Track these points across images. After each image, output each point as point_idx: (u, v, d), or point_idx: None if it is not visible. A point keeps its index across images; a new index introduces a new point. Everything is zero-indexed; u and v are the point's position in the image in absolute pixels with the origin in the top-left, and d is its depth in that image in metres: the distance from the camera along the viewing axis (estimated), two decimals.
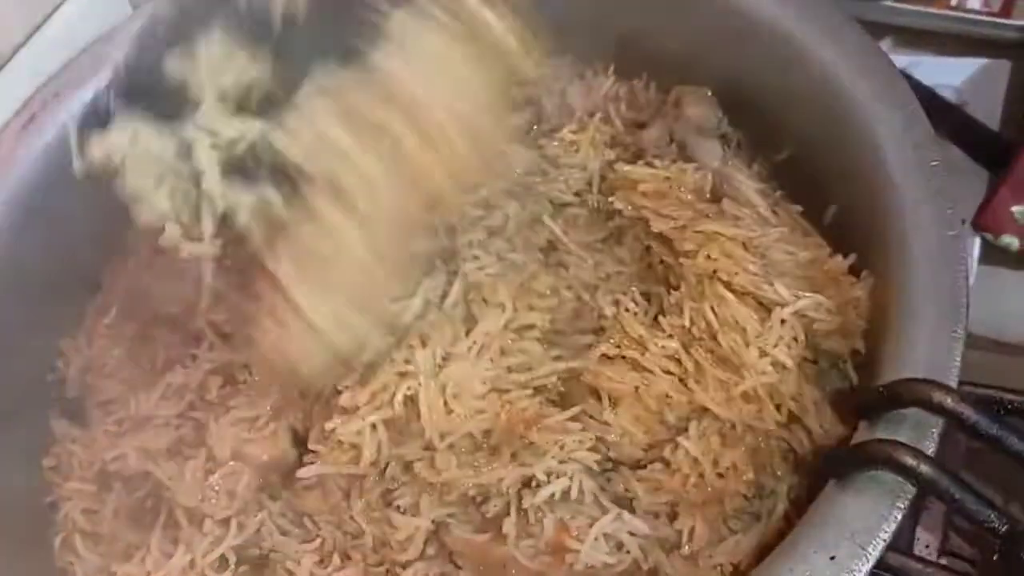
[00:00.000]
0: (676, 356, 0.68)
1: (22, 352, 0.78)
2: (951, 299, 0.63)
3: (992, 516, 0.53)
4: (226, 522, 0.69)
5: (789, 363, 0.66)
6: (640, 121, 0.84)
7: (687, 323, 0.69)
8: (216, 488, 0.70)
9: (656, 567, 0.64)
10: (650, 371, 0.68)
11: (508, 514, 0.65)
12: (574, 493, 0.65)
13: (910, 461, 0.55)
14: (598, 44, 0.90)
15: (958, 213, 0.67)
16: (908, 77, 0.73)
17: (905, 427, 0.58)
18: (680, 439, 0.66)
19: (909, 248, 0.66)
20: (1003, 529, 0.52)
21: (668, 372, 0.68)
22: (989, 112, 0.89)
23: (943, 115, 0.78)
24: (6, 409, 0.75)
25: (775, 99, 0.81)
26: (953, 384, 0.59)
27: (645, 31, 0.87)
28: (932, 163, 0.68)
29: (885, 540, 0.54)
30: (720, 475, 0.65)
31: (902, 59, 0.78)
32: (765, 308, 0.68)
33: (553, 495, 0.65)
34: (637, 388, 0.67)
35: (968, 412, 0.55)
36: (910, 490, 0.55)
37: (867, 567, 0.54)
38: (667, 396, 0.67)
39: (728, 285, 0.69)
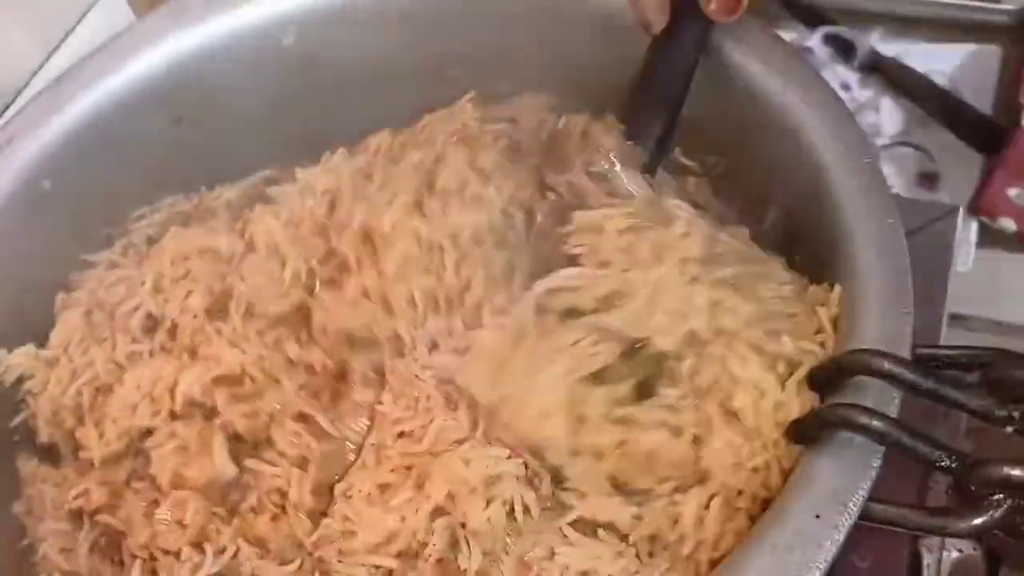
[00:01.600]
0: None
1: None
2: (897, 283, 0.68)
3: (942, 455, 0.58)
4: (201, 550, 0.69)
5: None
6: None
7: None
8: (165, 520, 0.71)
9: None
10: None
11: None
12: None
13: (863, 419, 0.59)
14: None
15: (894, 208, 0.72)
16: (901, 64, 0.77)
17: (869, 394, 0.62)
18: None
19: (854, 242, 0.71)
20: (953, 465, 0.57)
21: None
22: (981, 97, 0.92)
23: (936, 101, 0.81)
24: None
25: (708, 114, 0.85)
26: (906, 354, 0.64)
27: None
28: (865, 160, 0.74)
29: (863, 495, 0.58)
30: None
31: (892, 48, 0.81)
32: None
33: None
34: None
35: (905, 372, 0.61)
36: (881, 448, 0.60)
37: (850, 521, 0.58)
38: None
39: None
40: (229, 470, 0.72)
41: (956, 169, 0.88)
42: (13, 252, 0.81)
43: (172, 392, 0.75)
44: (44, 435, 0.78)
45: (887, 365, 0.61)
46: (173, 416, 0.75)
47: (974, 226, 0.88)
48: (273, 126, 0.92)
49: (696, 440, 0.65)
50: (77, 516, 0.75)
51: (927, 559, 0.63)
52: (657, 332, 0.66)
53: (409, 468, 0.68)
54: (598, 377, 0.65)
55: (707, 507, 0.64)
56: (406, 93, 0.92)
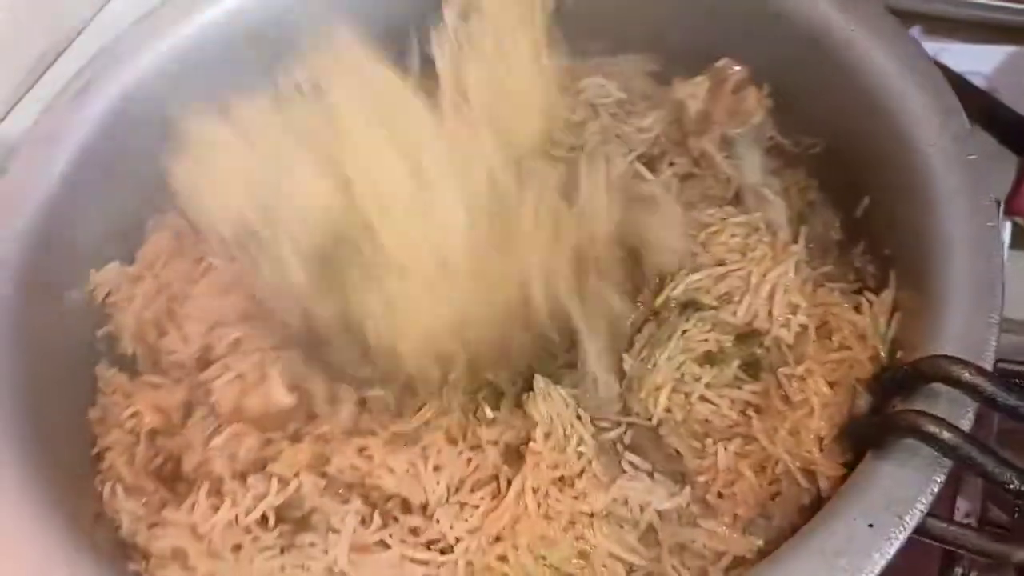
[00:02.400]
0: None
1: (74, 308, 0.80)
2: (987, 286, 0.65)
3: (1012, 476, 0.55)
4: (268, 480, 0.70)
5: None
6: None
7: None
8: (219, 450, 0.72)
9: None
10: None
11: None
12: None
13: (932, 428, 0.57)
14: (629, 38, 0.92)
15: (994, 206, 0.69)
16: (937, 64, 0.75)
17: (941, 403, 0.60)
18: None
19: (945, 238, 0.68)
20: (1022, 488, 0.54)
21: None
22: (1018, 98, 0.90)
23: (973, 101, 0.79)
24: (60, 362, 0.76)
25: (808, 90, 0.82)
26: (988, 366, 0.61)
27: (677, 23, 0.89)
28: (970, 156, 0.70)
29: (922, 510, 0.56)
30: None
31: (931, 46, 0.79)
32: None
33: None
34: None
35: (985, 384, 0.58)
36: (948, 462, 0.57)
37: (905, 534, 0.55)
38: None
39: None
40: (286, 400, 0.73)
41: (991, 170, 0.84)
42: (105, 175, 0.83)
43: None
44: (127, 347, 0.81)
45: (967, 375, 0.58)
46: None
47: (1008, 227, 0.84)
48: None
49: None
50: (137, 432, 0.77)
51: (958, 572, 0.60)
52: (776, 324, 0.73)
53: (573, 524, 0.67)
54: (709, 358, 0.72)
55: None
56: None
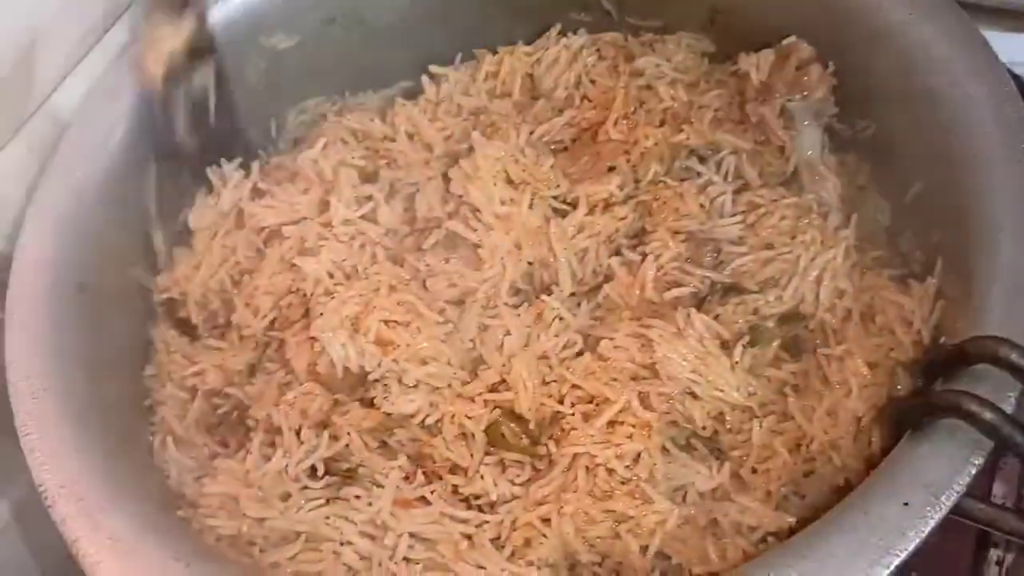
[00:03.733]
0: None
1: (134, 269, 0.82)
2: None
3: None
4: (319, 434, 0.72)
5: None
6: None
7: None
8: (291, 404, 0.74)
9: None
10: None
11: None
12: None
13: (975, 408, 0.57)
14: (682, 17, 0.92)
15: None
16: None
17: (983, 385, 0.60)
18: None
19: (993, 225, 0.68)
20: None
21: None
22: None
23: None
24: (117, 318, 0.79)
25: (862, 74, 0.82)
26: None
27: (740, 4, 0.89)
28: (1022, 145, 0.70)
29: (959, 491, 0.56)
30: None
31: None
32: None
33: None
34: None
35: None
36: (987, 443, 0.57)
37: (939, 515, 0.56)
38: None
39: None
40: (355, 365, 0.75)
41: None
42: None
43: None
44: (191, 314, 0.83)
45: (1015, 356, 0.58)
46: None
47: None
48: (419, 38, 0.93)
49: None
50: (194, 389, 0.80)
51: (993, 555, 0.60)
52: (822, 308, 0.74)
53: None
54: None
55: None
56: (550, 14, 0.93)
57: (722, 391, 0.71)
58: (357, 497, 0.69)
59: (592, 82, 0.89)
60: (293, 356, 0.76)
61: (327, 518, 0.68)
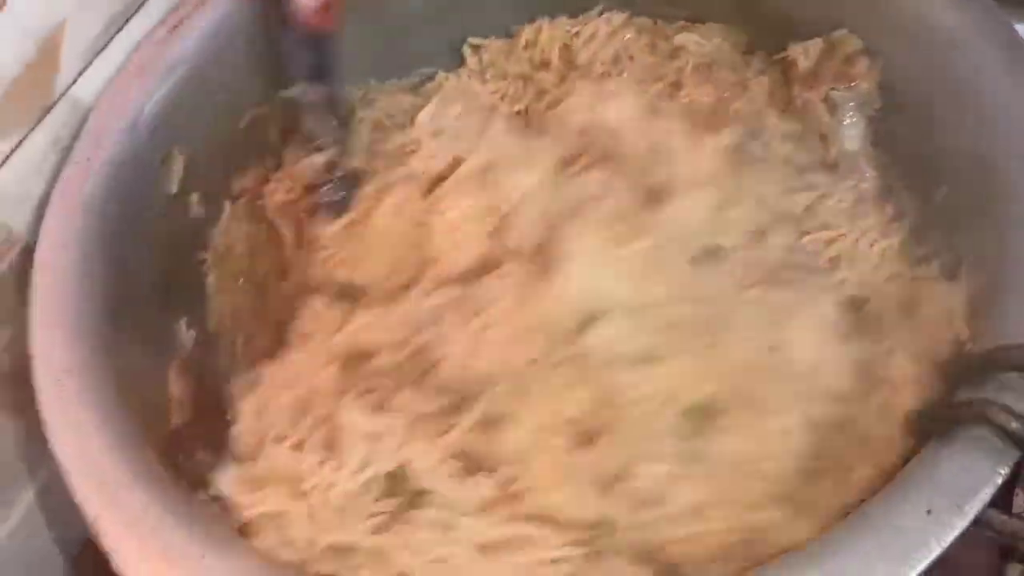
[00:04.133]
0: None
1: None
2: None
3: None
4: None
5: None
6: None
7: None
8: None
9: None
10: None
11: None
12: None
13: (1002, 418, 0.56)
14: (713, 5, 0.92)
15: None
16: None
17: (1010, 394, 0.59)
18: None
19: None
20: None
21: None
22: None
23: None
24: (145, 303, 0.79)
25: (896, 72, 0.82)
26: None
27: None
28: None
29: (984, 501, 0.56)
30: None
31: None
32: None
33: None
34: None
35: None
36: (1014, 454, 0.56)
37: (963, 524, 0.55)
38: None
39: None
40: None
41: None
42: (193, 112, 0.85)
43: None
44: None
45: None
46: None
47: None
48: (442, 25, 0.93)
49: None
50: None
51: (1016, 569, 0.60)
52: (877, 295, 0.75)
53: None
54: None
55: None
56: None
57: None
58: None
59: (631, 58, 0.88)
60: None
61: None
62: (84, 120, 0.80)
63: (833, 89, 0.83)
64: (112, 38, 0.83)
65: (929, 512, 0.56)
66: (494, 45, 0.92)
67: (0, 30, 0.71)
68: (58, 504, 0.64)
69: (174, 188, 0.83)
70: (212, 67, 0.85)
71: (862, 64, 0.83)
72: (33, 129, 0.77)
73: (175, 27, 0.84)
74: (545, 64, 0.90)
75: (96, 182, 0.77)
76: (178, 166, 0.83)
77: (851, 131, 0.83)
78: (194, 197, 0.85)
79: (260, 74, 0.88)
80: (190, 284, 0.86)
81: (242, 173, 0.89)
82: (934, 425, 0.62)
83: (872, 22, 0.83)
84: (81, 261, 0.74)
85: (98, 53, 0.82)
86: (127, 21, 0.84)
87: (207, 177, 0.86)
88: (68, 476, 0.64)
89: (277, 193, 0.88)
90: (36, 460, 0.79)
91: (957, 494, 0.56)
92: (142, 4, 0.85)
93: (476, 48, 0.92)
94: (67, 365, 0.69)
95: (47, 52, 0.76)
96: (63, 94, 0.79)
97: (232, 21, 0.86)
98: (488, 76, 0.90)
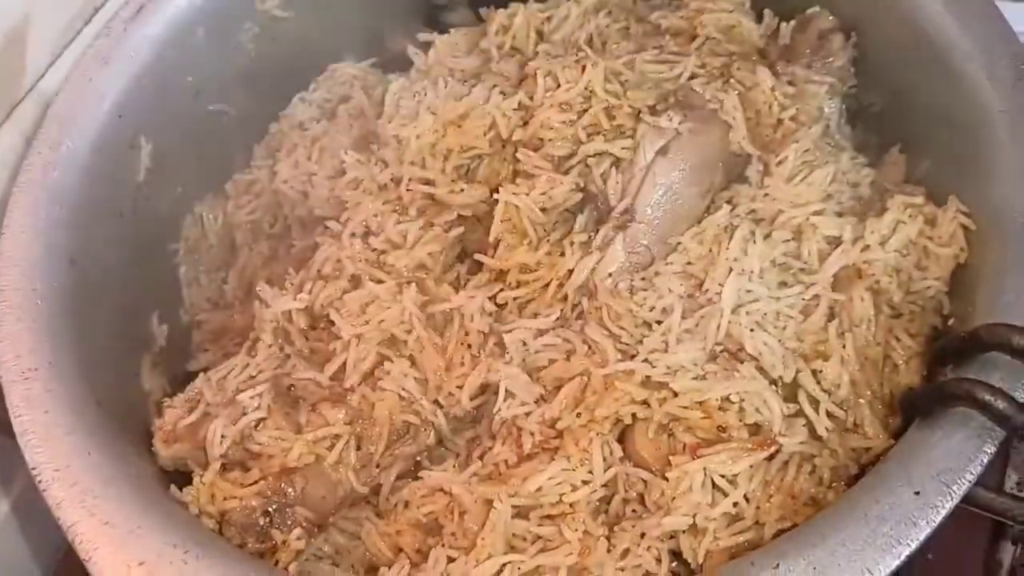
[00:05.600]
0: None
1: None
2: None
3: None
4: None
5: None
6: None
7: None
8: None
9: None
10: None
11: None
12: None
13: (987, 397, 0.56)
14: None
15: None
16: None
17: (996, 373, 0.59)
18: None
19: (1011, 212, 0.67)
20: None
21: None
22: None
23: None
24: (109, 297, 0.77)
25: (875, 48, 0.82)
26: None
27: None
28: None
29: (971, 480, 0.56)
30: None
31: None
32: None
33: None
34: None
35: None
36: (999, 433, 0.56)
37: (951, 504, 0.55)
38: None
39: None
40: None
41: None
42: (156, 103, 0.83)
43: None
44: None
45: None
46: None
47: None
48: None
49: None
50: None
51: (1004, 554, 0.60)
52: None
53: None
54: None
55: None
56: None
57: None
58: None
59: (603, 44, 0.87)
60: None
61: None
62: (49, 102, 0.77)
63: (809, 65, 0.82)
64: (79, 32, 0.81)
65: (917, 493, 0.56)
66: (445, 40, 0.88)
67: None
68: (36, 511, 0.61)
69: (140, 176, 0.81)
70: (176, 52, 0.83)
71: (836, 41, 0.83)
72: (1, 124, 0.75)
73: (137, 12, 0.82)
74: (517, 50, 0.87)
75: (62, 171, 0.75)
76: (145, 153, 0.81)
77: (826, 108, 0.81)
78: (163, 185, 0.83)
79: (225, 59, 0.86)
80: (161, 276, 0.84)
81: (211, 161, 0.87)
82: (920, 404, 0.62)
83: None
84: (47, 256, 0.72)
85: (65, 47, 0.80)
86: (95, 12, 0.82)
87: (176, 165, 0.84)
88: (40, 481, 0.62)
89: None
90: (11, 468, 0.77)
91: (945, 474, 0.56)
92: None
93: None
94: (34, 363, 0.66)
95: (13, 47, 0.74)
96: (31, 88, 0.77)
97: (195, 5, 0.84)
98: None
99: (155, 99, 0.82)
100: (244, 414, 0.67)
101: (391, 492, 0.69)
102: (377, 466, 0.69)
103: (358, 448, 0.68)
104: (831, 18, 0.84)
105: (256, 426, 0.67)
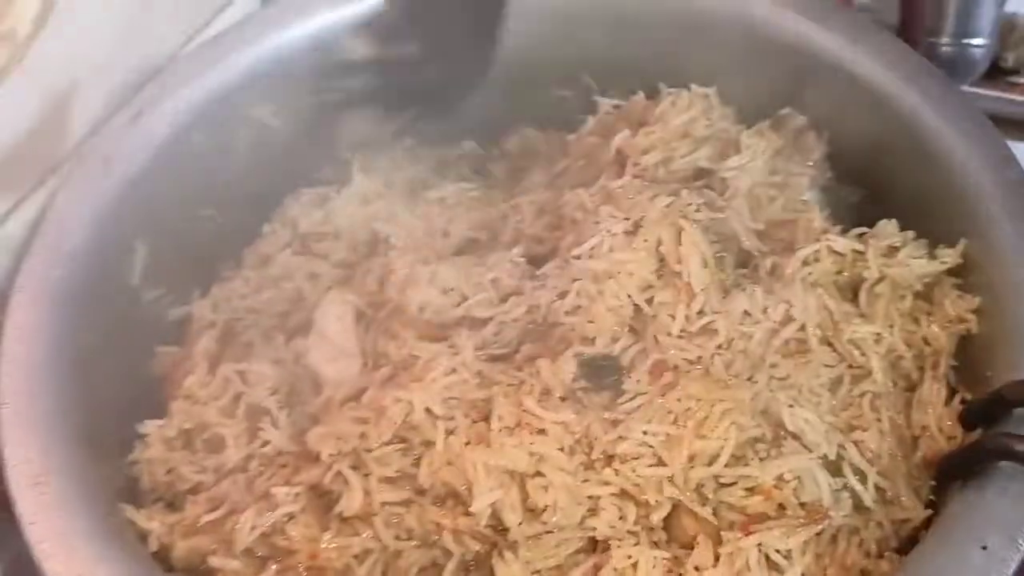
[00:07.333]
0: None
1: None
2: None
3: None
4: None
5: None
6: None
7: None
8: None
9: None
10: None
11: None
12: None
13: None
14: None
15: None
16: None
17: None
18: None
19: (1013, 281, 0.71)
20: None
21: None
22: None
23: None
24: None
25: (853, 141, 0.85)
26: None
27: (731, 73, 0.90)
28: None
29: None
30: None
31: None
32: None
33: None
34: None
35: None
36: None
37: (1020, 556, 0.56)
38: None
39: None
40: None
41: None
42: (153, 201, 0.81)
43: None
44: None
45: None
46: None
47: None
48: None
49: None
50: None
51: None
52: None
53: None
54: None
55: None
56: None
57: None
58: None
59: None
60: None
61: None
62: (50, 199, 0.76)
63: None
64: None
65: (985, 548, 0.57)
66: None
67: (15, 88, 0.70)
68: None
69: (136, 279, 0.79)
70: (174, 157, 0.82)
71: (810, 138, 0.87)
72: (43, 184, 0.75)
73: (137, 115, 0.81)
74: None
75: (63, 272, 0.72)
76: (140, 257, 0.79)
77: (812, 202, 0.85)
78: (157, 290, 0.81)
79: (222, 164, 0.86)
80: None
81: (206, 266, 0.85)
82: (958, 466, 0.63)
83: (818, 94, 0.86)
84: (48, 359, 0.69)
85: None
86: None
87: (171, 269, 0.82)
88: None
89: None
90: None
91: (1009, 528, 0.57)
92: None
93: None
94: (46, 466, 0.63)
95: (60, 111, 0.75)
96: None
97: (194, 110, 0.83)
98: None
99: (152, 204, 0.80)
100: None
101: None
102: None
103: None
104: (801, 116, 0.88)
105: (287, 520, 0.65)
